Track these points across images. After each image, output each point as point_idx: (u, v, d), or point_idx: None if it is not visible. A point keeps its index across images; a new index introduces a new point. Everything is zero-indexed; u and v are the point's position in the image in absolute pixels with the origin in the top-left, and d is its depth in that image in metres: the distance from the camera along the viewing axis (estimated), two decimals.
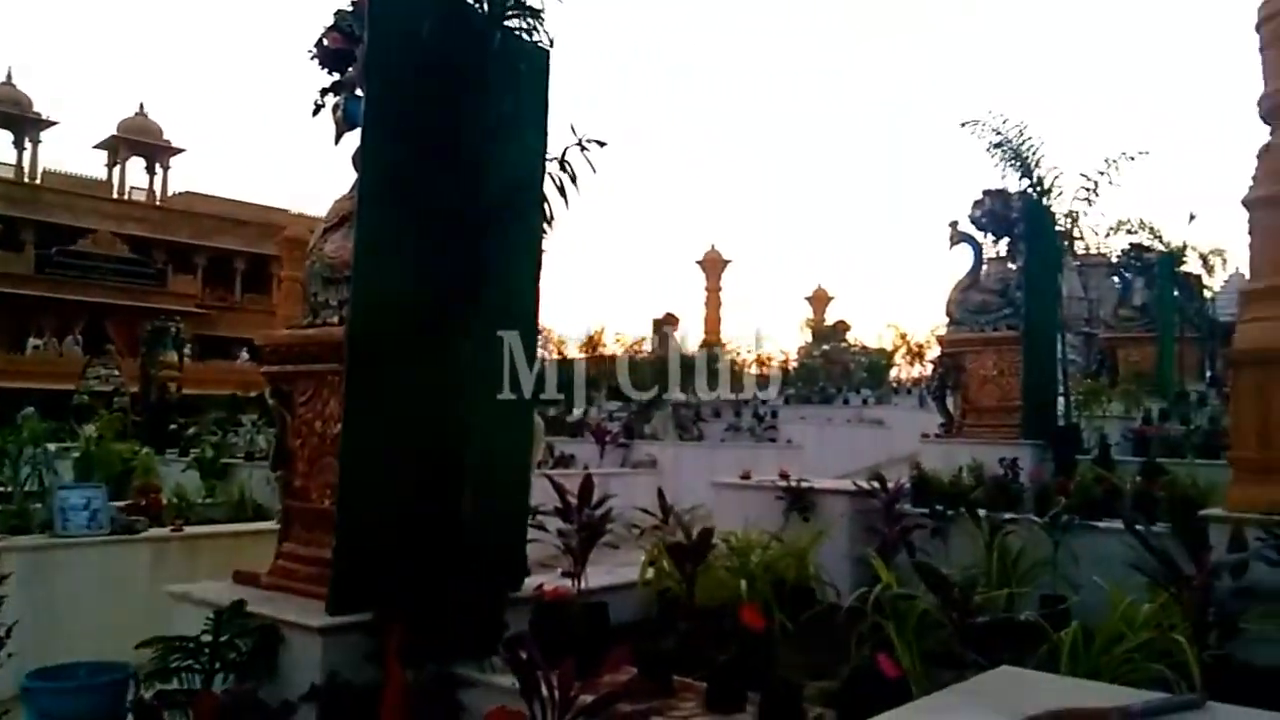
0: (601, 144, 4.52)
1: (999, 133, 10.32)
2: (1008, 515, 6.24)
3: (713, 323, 38.72)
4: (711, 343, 30.20)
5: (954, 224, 11.73)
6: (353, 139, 4.44)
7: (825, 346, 28.36)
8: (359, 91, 4.41)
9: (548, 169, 4.61)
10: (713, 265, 39.83)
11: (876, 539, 6.13)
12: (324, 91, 4.64)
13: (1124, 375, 16.25)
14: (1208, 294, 19.98)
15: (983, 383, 11.14)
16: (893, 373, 29.62)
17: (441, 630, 3.69)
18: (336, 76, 4.66)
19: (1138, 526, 4.54)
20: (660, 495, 6.49)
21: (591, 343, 22.80)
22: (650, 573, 5.72)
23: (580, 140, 4.46)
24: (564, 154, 4.48)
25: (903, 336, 24.07)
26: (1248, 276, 6.41)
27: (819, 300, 38.70)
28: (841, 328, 31.68)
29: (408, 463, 4.14)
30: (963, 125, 10.57)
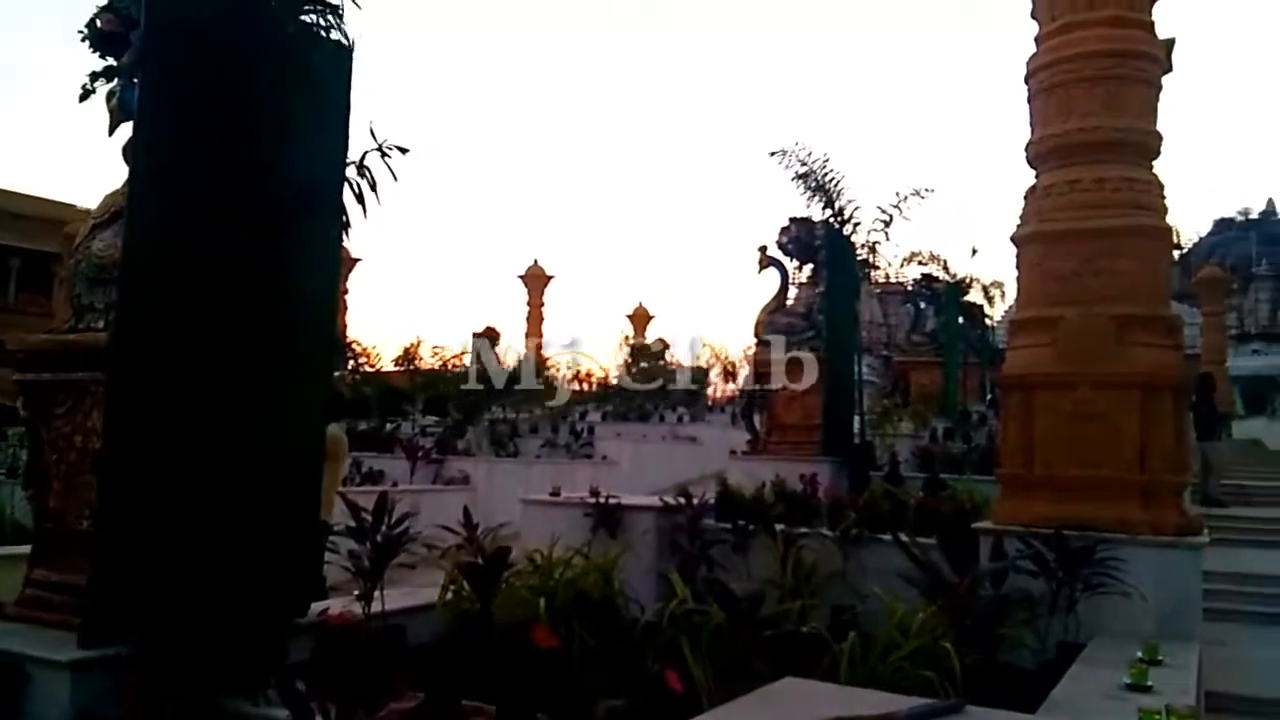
0: (404, 150, 4.38)
1: (804, 164, 10.86)
2: (803, 530, 6.49)
3: (534, 337, 38.57)
4: (533, 358, 30.05)
5: (763, 249, 12.24)
6: (129, 129, 4.09)
7: (644, 364, 28.82)
8: (136, 79, 4.07)
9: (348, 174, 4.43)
10: (535, 280, 39.74)
11: (681, 554, 6.23)
12: (94, 76, 4.25)
13: (915, 396, 17.40)
14: (989, 322, 21.77)
15: (787, 402, 11.62)
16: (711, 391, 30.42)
17: (209, 660, 3.42)
18: (110, 61, 4.28)
19: (903, 539, 4.82)
20: (465, 513, 6.33)
21: (407, 356, 22.14)
22: (450, 594, 5.55)
23: (381, 145, 4.30)
24: (363, 159, 4.30)
25: (717, 355, 24.86)
26: (1015, 307, 6.99)
27: (640, 318, 39.36)
28: (661, 345, 32.33)
29: (179, 479, 3.83)
30: (771, 155, 11.06)
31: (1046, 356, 6.10)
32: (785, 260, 12.23)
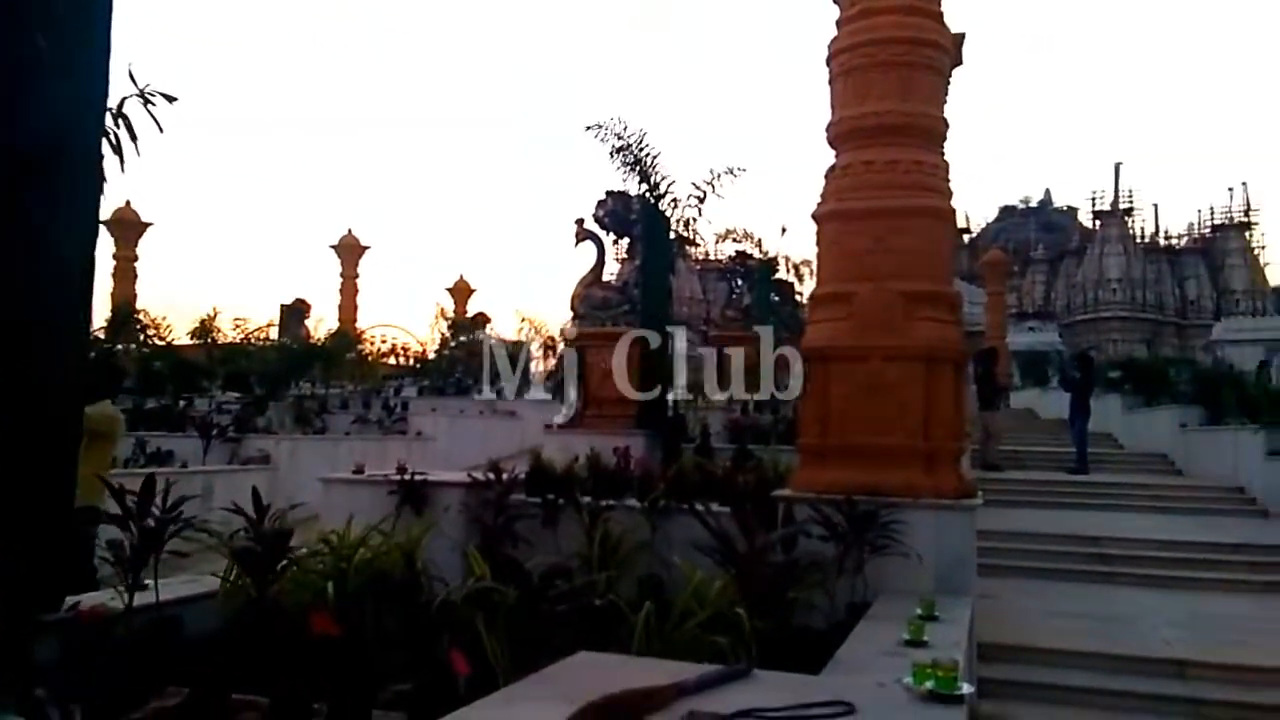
0: (171, 99, 3.97)
1: (620, 138, 10.83)
2: (610, 502, 6.50)
3: (349, 310, 37.05)
4: (346, 331, 28.84)
5: (580, 221, 12.15)
6: None
7: (464, 338, 28.27)
8: None
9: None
10: (349, 251, 38.12)
11: (485, 531, 6.10)
12: None
13: (728, 371, 17.88)
14: (799, 298, 22.68)
15: (603, 376, 11.63)
16: (532, 365, 30.20)
17: None
18: None
19: (698, 508, 4.90)
20: (255, 494, 5.92)
21: (204, 328, 20.68)
22: (232, 581, 5.18)
23: (143, 91, 3.88)
24: (121, 105, 3.87)
25: (537, 329, 24.69)
26: (815, 283, 7.24)
27: (460, 292, 38.55)
28: (482, 319, 31.82)
29: None
30: (588, 129, 10.97)
31: (843, 330, 6.35)
32: (602, 234, 12.19)
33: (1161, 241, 53.39)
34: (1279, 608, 7.64)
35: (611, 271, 13.27)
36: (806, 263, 21.55)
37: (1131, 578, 8.62)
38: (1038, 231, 64.19)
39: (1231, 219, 52.19)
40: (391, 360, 27.97)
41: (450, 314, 31.93)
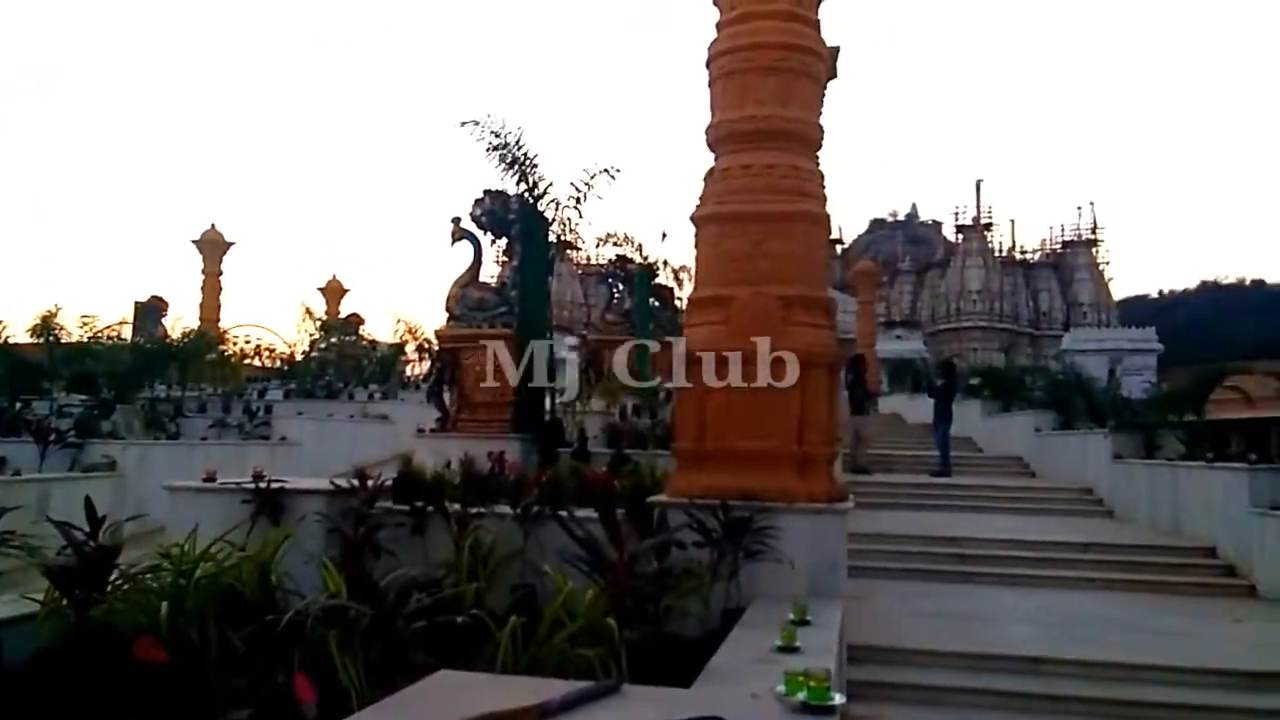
0: None
1: (498, 135, 10.59)
2: (480, 509, 6.27)
3: (211, 309, 35.23)
4: (207, 331, 27.37)
5: (456, 220, 11.81)
6: None
7: (334, 339, 27.26)
8: None
9: None
10: (212, 246, 36.25)
11: (346, 541, 5.77)
12: None
13: (607, 374, 17.79)
14: (678, 303, 22.80)
15: (479, 378, 11.34)
16: (407, 368, 29.40)
17: None
18: None
19: (564, 516, 4.76)
20: (88, 505, 5.43)
21: (45, 325, 19.20)
22: (53, 602, 4.72)
23: None
24: None
25: (411, 331, 23.99)
26: (694, 286, 7.19)
27: (333, 291, 37.22)
28: (355, 320, 30.78)
29: None
30: (463, 124, 10.69)
31: (720, 334, 6.31)
32: (479, 233, 11.88)
33: (1018, 256, 56.48)
34: (1124, 604, 8.03)
35: (490, 273, 12.94)
36: (685, 268, 21.68)
37: (990, 577, 8.93)
38: (905, 244, 66.95)
39: (1080, 236, 55.68)
40: (256, 362, 26.71)
41: (320, 314, 30.73)
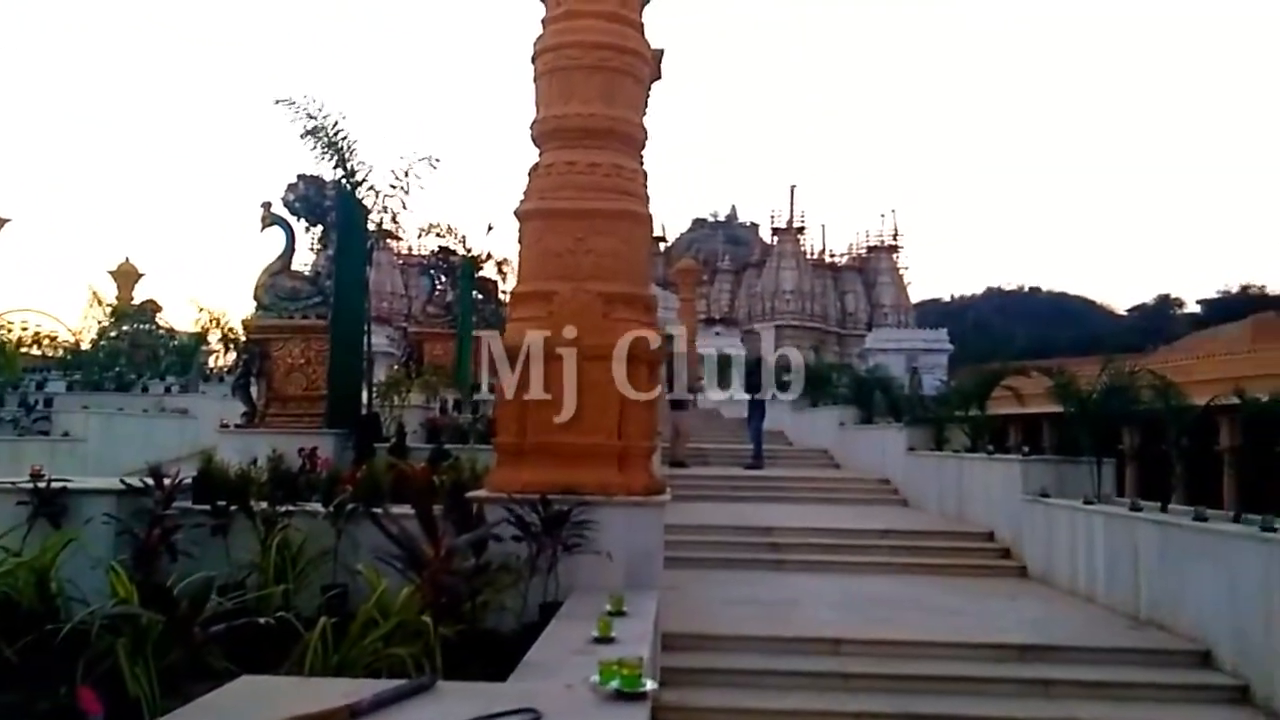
0: None
1: (314, 118, 10.16)
2: (288, 508, 6.02)
3: None
4: None
5: (267, 205, 11.23)
6: None
7: (126, 327, 25.27)
8: None
9: None
10: None
11: (139, 544, 5.39)
12: None
13: (428, 367, 17.42)
14: (503, 297, 22.58)
15: (289, 371, 10.87)
16: (210, 359, 27.62)
17: None
18: None
19: (377, 513, 4.67)
20: None
21: None
22: None
23: None
24: None
25: (215, 320, 22.54)
26: (516, 281, 7.17)
27: (125, 275, 34.45)
28: (151, 307, 28.63)
29: None
30: (277, 103, 10.19)
31: (542, 328, 6.33)
32: (292, 219, 11.34)
33: (827, 259, 59.56)
34: (916, 585, 8.67)
35: (304, 261, 12.38)
36: (509, 261, 21.52)
37: (797, 564, 9.41)
38: (725, 244, 69.19)
39: (883, 242, 59.36)
40: (35, 351, 24.35)
41: (111, 300, 28.37)
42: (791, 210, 58.35)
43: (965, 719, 5.69)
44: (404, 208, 11.17)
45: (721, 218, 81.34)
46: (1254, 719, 5.70)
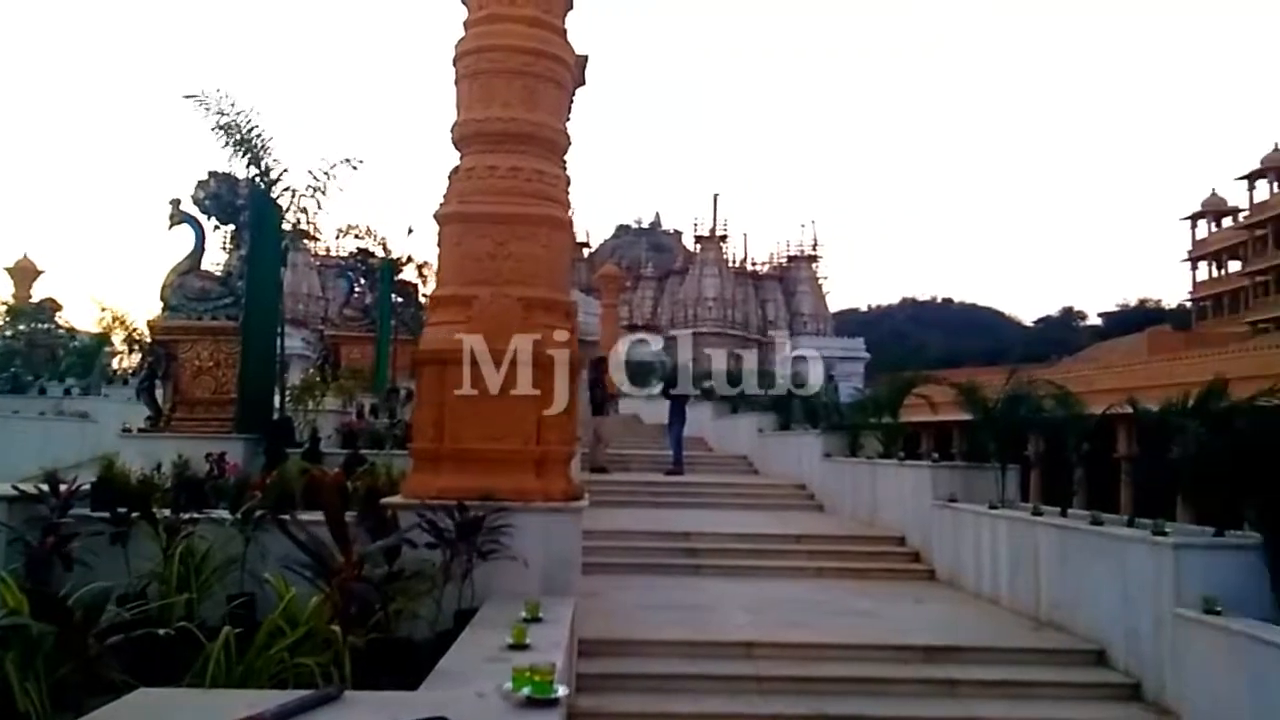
0: None
1: (225, 114, 9.88)
2: (193, 515, 5.84)
3: None
4: None
5: (175, 202, 10.84)
6: None
7: (23, 327, 24.14)
8: None
9: None
10: None
11: (30, 554, 5.16)
12: None
13: (345, 371, 17.09)
14: (423, 300, 22.27)
15: (197, 374, 10.50)
16: (113, 361, 26.56)
17: None
18: None
19: (284, 520, 4.57)
20: None
21: None
22: None
23: None
24: None
25: (119, 320, 21.69)
26: (435, 285, 7.11)
27: (23, 273, 32.93)
28: (50, 306, 27.42)
29: None
30: (187, 98, 9.88)
31: (461, 333, 6.28)
32: (202, 218, 10.98)
33: (749, 267, 60.38)
34: (828, 589, 8.84)
35: (214, 261, 12.00)
36: (429, 264, 21.25)
37: (715, 569, 9.50)
38: (648, 250, 69.53)
39: (803, 252, 60.48)
40: None
41: (6, 297, 27.10)
42: (714, 218, 59.06)
43: (873, 719, 5.82)
44: (320, 208, 10.92)
45: (645, 224, 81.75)
46: (1144, 715, 5.96)
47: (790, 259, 60.54)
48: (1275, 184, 51.67)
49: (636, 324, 55.49)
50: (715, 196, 60.84)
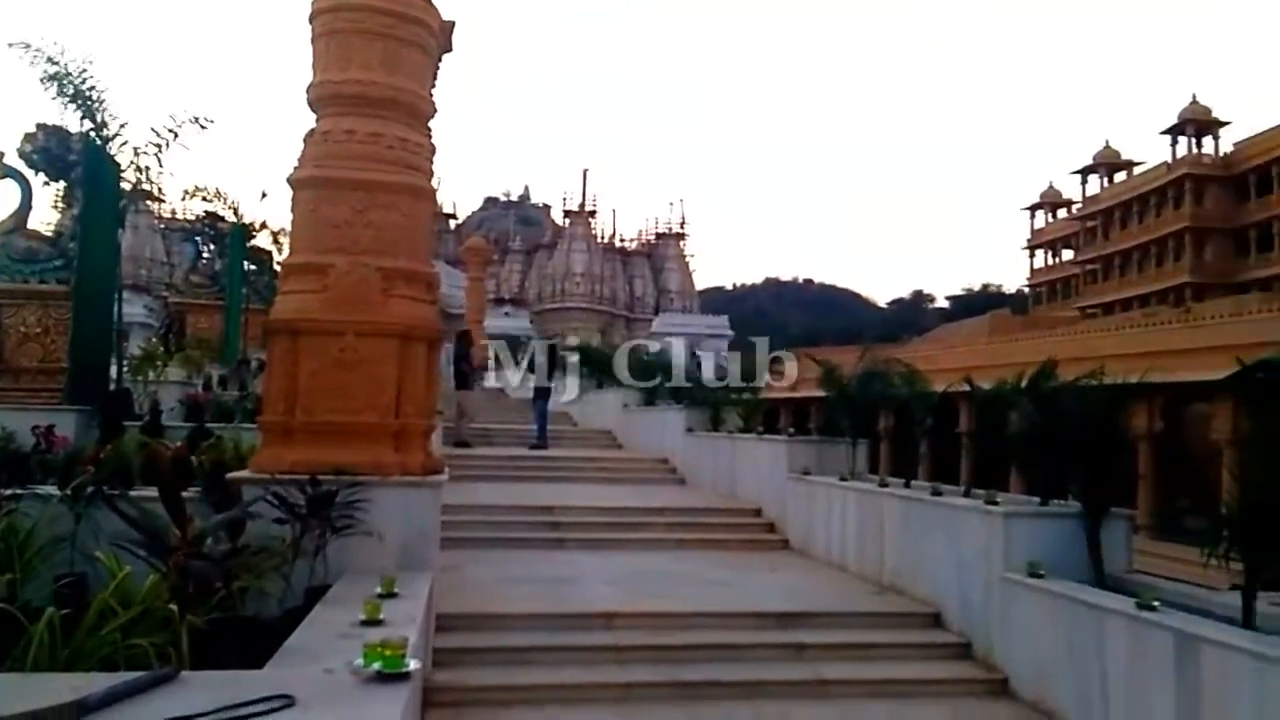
0: None
1: (55, 63, 9.16)
2: (14, 491, 5.44)
3: None
4: None
5: None
6: None
7: None
8: None
9: None
10: None
11: None
12: None
13: (191, 341, 16.25)
14: (278, 268, 21.33)
15: (22, 340, 9.78)
16: None
17: None
18: None
19: (111, 495, 4.34)
20: None
21: None
22: None
23: None
24: None
25: None
26: (289, 252, 6.82)
27: None
28: None
29: None
30: (10, 46, 9.10)
31: (316, 302, 6.05)
32: (29, 173, 10.18)
33: (617, 244, 60.62)
34: (688, 560, 9.05)
35: (44, 220, 11.15)
36: (285, 231, 20.37)
37: (577, 542, 9.57)
38: (517, 224, 68.81)
39: (671, 229, 61.14)
40: None
41: None
42: (584, 193, 58.94)
43: (727, 683, 6.01)
44: (161, 166, 10.28)
45: (514, 198, 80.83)
46: (973, 671, 6.39)
47: (658, 236, 61.11)
48: (1105, 179, 55.64)
49: (504, 298, 54.89)
50: (585, 171, 60.83)
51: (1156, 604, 4.97)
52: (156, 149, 10.08)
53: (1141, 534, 16.87)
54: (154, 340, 16.25)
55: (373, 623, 4.08)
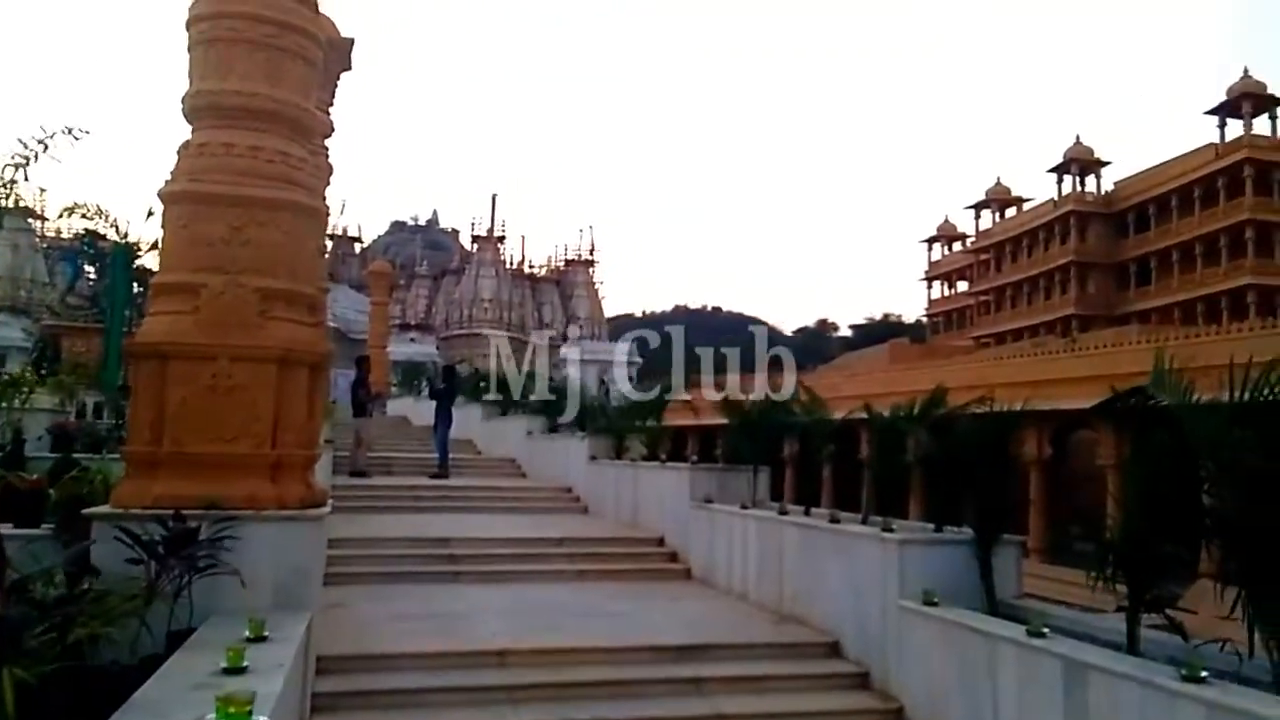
0: None
1: None
2: None
3: None
4: None
5: None
6: None
7: None
8: None
9: None
10: None
11: None
12: None
13: (66, 366, 15.31)
14: None
15: None
16: None
17: None
18: None
19: None
20: None
21: None
22: None
23: None
24: None
25: None
26: (159, 270, 6.41)
27: None
28: None
29: None
30: None
31: (187, 325, 5.68)
32: None
33: (526, 269, 60.25)
34: (588, 592, 8.84)
35: None
36: None
37: (475, 575, 9.26)
38: (424, 248, 67.82)
39: (580, 256, 61.09)
40: None
41: None
42: (493, 219, 58.42)
43: None
44: (27, 179, 9.58)
45: (422, 222, 79.72)
46: (870, 701, 6.35)
47: (568, 263, 60.96)
48: (996, 214, 57.99)
49: (410, 323, 53.91)
50: (494, 196, 60.19)
51: (1045, 631, 5.01)
52: (24, 160, 9.41)
53: (1032, 557, 17.37)
54: (26, 365, 15.24)
55: (235, 670, 3.77)
